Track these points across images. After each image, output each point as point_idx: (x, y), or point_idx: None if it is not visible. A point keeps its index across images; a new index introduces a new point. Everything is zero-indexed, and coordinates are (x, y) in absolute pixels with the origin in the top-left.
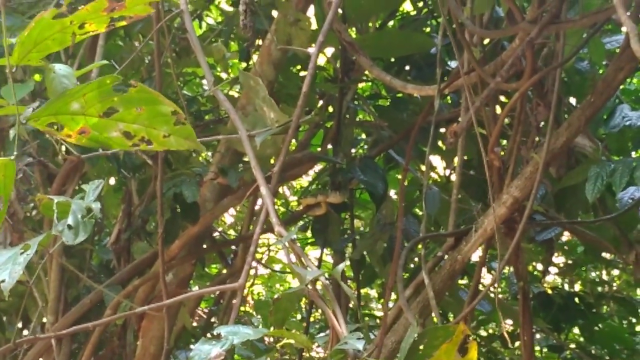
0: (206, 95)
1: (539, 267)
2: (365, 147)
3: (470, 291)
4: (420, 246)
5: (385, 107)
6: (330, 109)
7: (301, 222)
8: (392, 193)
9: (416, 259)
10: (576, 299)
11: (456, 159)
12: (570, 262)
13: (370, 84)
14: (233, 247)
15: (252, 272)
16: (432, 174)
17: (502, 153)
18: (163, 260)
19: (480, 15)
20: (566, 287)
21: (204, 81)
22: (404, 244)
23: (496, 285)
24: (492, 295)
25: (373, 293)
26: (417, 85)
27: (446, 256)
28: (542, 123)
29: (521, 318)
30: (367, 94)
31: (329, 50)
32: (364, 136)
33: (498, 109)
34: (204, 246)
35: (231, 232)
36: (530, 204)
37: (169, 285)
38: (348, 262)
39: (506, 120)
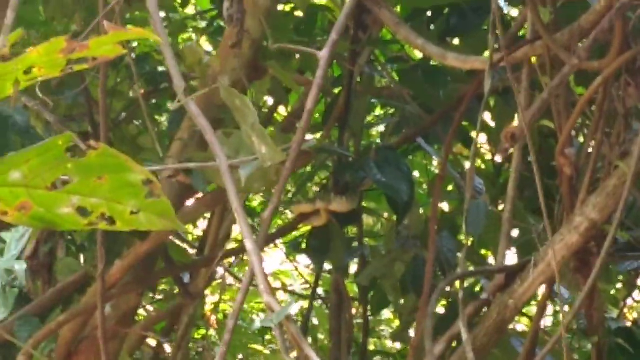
0: (174, 105)
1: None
2: (382, 126)
3: (527, 343)
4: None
5: (414, 74)
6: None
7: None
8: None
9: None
10: None
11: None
12: None
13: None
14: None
15: (219, 282)
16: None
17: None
18: (104, 289)
19: None
20: None
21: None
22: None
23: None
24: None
25: (385, 313)
26: (460, 55)
27: (492, 298)
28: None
29: None
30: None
31: None
32: (377, 111)
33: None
34: (156, 269)
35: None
36: (612, 232)
37: (107, 320)
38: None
39: None
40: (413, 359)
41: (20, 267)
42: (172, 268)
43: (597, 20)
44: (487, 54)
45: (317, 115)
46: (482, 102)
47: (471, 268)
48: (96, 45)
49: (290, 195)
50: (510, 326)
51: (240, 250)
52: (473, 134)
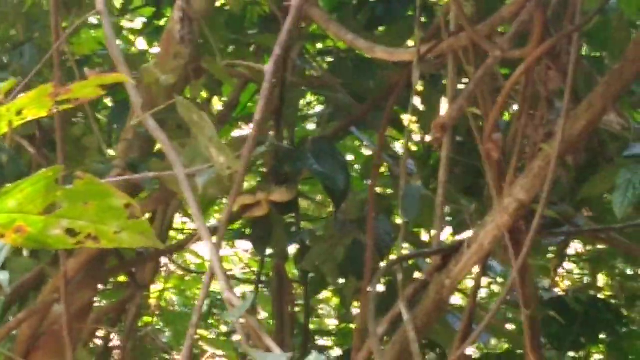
0: (134, 121)
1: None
2: (313, 115)
3: (464, 319)
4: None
5: (343, 65)
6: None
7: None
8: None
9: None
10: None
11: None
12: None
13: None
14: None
15: (164, 272)
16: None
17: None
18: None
19: None
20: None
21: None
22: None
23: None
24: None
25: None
26: (388, 48)
27: (430, 279)
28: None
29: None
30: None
31: None
32: (308, 97)
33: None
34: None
35: None
36: (540, 211)
37: (63, 317)
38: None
39: None
40: (358, 340)
41: (4, 277)
42: (124, 263)
43: (517, 10)
44: (412, 43)
45: (250, 105)
46: (411, 89)
47: (405, 248)
48: (79, 89)
49: None
50: None
51: (186, 242)
52: (403, 117)
